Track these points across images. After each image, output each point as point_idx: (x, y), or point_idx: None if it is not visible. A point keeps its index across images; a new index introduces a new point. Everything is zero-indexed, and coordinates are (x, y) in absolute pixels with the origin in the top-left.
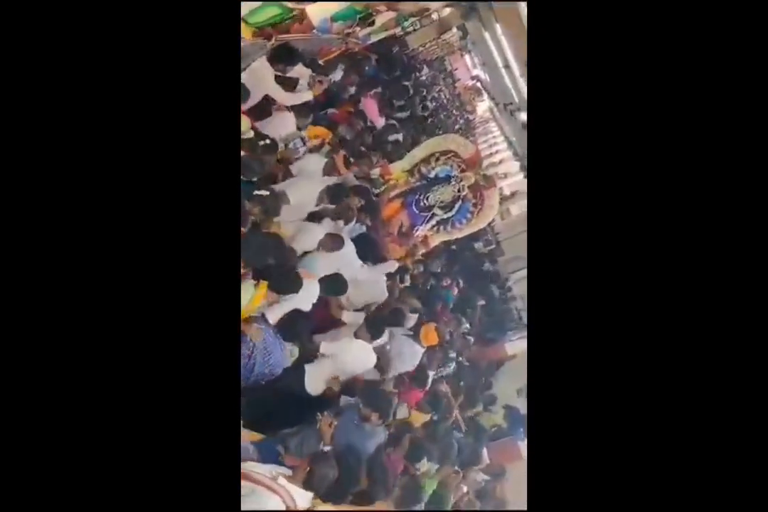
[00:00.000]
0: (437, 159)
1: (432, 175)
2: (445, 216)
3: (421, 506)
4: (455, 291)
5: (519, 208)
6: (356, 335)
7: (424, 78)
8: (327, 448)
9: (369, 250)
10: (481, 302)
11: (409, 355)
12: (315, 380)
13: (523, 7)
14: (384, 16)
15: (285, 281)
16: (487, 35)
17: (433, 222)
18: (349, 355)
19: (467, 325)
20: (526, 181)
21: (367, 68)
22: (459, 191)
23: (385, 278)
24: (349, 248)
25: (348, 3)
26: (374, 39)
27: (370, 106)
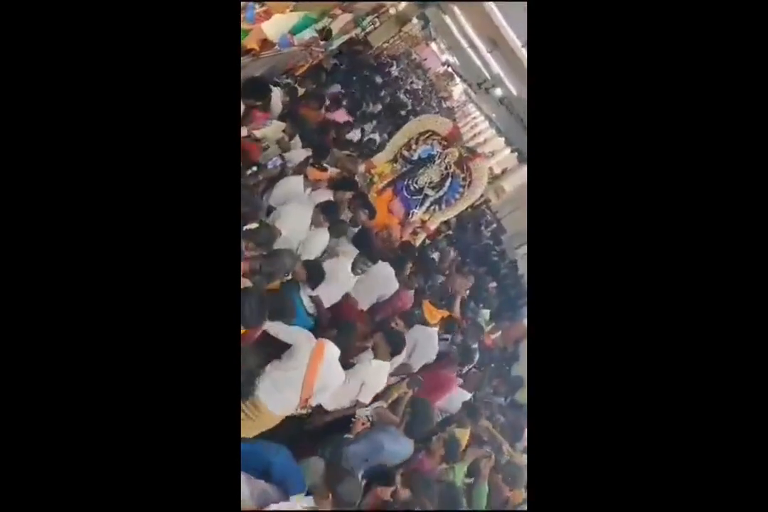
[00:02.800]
0: (417, 141)
1: (415, 157)
2: (437, 195)
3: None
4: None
5: (512, 184)
6: (375, 354)
7: (395, 74)
8: (350, 436)
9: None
10: (493, 284)
11: (426, 341)
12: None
13: None
14: (341, 20)
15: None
16: (447, 19)
17: (427, 203)
18: (370, 377)
19: (485, 313)
20: (515, 156)
21: (335, 75)
22: (446, 168)
23: (393, 271)
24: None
25: (303, 14)
26: (337, 44)
27: (340, 114)
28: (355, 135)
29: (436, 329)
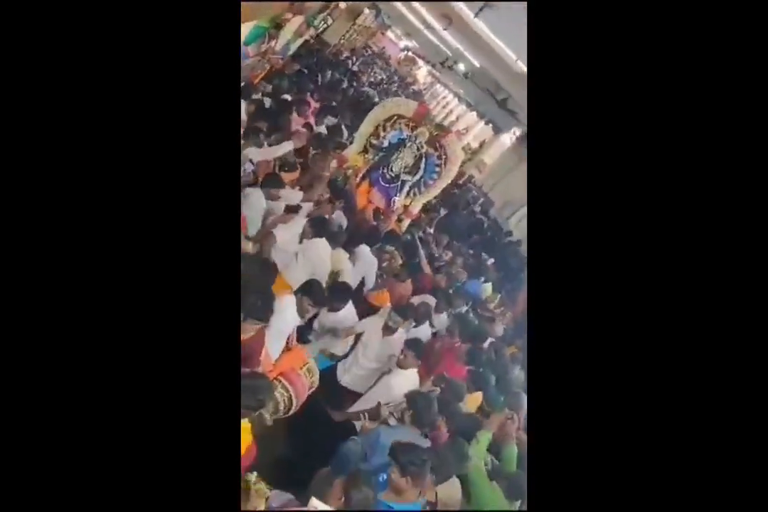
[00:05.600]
0: (384, 128)
1: (385, 143)
2: (414, 179)
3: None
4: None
5: (491, 156)
6: (402, 366)
7: (356, 68)
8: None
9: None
10: (491, 260)
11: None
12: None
13: None
14: (294, 23)
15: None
16: (398, 4)
17: (406, 188)
18: (399, 383)
19: (487, 287)
20: (489, 127)
21: (295, 79)
22: (418, 149)
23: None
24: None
25: (253, 23)
26: (293, 48)
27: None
28: (322, 132)
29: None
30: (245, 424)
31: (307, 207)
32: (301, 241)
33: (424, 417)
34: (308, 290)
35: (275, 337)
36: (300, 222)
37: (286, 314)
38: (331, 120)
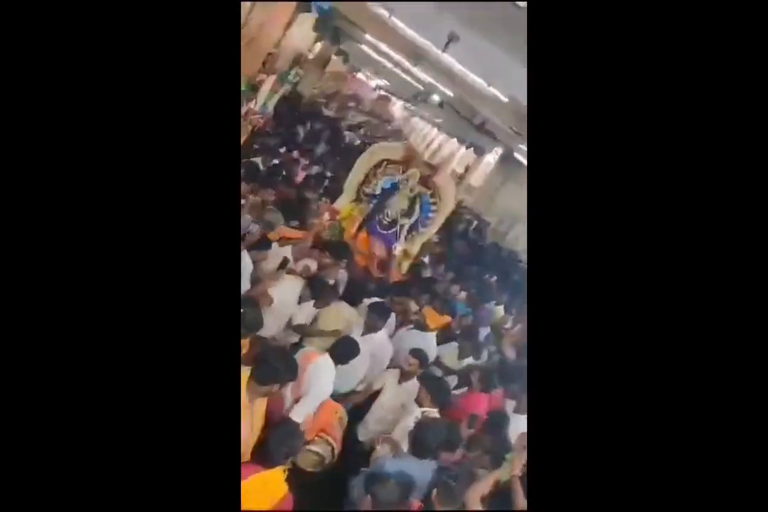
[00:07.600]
0: (374, 174)
1: (378, 191)
2: (411, 221)
3: None
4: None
5: (478, 178)
6: (421, 405)
7: (334, 115)
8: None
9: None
10: (494, 277)
11: (423, 346)
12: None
13: (377, 5)
14: (268, 82)
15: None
16: (363, 47)
17: (404, 232)
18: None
19: (498, 309)
20: (472, 151)
21: (278, 136)
22: (411, 191)
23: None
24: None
25: None
26: (271, 106)
27: (300, 174)
28: (309, 183)
29: (433, 334)
30: (278, 473)
31: (294, 257)
32: (299, 303)
33: (427, 445)
34: (341, 348)
35: (316, 399)
36: (292, 280)
37: (326, 376)
38: (316, 170)
